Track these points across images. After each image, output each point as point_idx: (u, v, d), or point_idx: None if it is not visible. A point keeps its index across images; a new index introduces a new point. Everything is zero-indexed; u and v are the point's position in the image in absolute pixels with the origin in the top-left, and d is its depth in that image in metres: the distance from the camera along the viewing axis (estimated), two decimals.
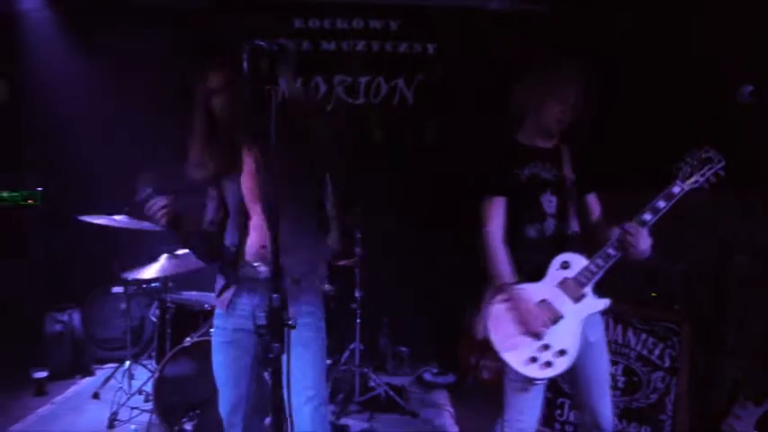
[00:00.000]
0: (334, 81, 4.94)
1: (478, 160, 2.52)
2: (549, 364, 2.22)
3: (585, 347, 2.28)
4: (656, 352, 3.23)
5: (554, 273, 2.30)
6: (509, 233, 2.37)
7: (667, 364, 3.20)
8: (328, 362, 4.35)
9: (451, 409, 4.06)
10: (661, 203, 2.18)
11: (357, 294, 4.07)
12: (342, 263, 4.05)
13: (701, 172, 2.16)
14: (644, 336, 3.26)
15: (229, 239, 2.19)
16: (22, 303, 4.67)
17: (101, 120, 4.69)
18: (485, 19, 4.76)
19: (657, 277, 3.44)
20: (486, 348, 2.49)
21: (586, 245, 2.38)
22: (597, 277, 2.27)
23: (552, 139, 2.45)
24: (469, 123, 4.76)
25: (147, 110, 4.64)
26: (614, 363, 3.29)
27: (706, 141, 2.22)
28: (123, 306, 4.20)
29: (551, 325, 2.24)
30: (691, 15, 3.91)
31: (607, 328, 3.26)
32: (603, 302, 2.28)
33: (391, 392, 3.98)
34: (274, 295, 1.45)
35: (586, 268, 2.26)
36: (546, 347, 2.23)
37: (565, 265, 2.29)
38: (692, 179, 2.16)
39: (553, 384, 3.36)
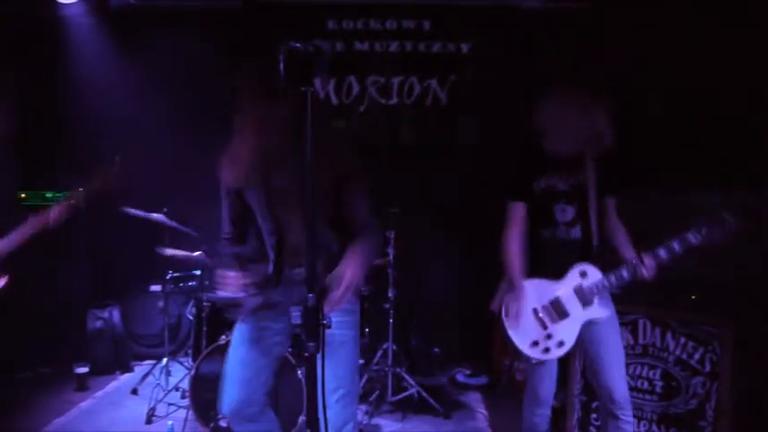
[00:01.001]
0: (367, 81, 4.96)
1: (506, 165, 2.77)
2: (547, 350, 2.60)
3: (592, 329, 2.60)
4: (696, 356, 3.14)
5: (572, 277, 2.60)
6: (528, 234, 2.67)
7: (708, 369, 3.11)
8: (360, 361, 4.37)
9: (485, 412, 4.03)
10: (676, 246, 2.47)
11: (390, 294, 4.07)
12: (375, 263, 4.05)
13: (716, 233, 2.42)
14: (683, 339, 3.18)
15: (267, 243, 2.20)
16: (64, 300, 4.80)
17: (138, 120, 4.80)
18: (519, 17, 4.71)
19: (696, 280, 3.35)
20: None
21: (603, 247, 2.68)
22: (607, 291, 2.60)
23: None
24: (503, 124, 4.73)
25: (182, 109, 4.74)
26: (652, 367, 3.23)
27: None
28: (161, 304, 4.29)
29: (559, 320, 2.59)
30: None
31: (645, 331, 3.24)
32: (605, 312, 2.61)
33: (424, 393, 3.97)
34: (309, 295, 1.46)
35: (600, 281, 2.57)
36: (549, 336, 2.60)
37: (583, 274, 2.60)
38: (708, 236, 2.43)
39: (588, 388, 3.31)
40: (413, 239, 4.20)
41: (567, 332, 2.59)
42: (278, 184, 2.09)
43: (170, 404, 3.86)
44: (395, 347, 4.12)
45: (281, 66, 1.42)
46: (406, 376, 4.04)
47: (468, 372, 4.61)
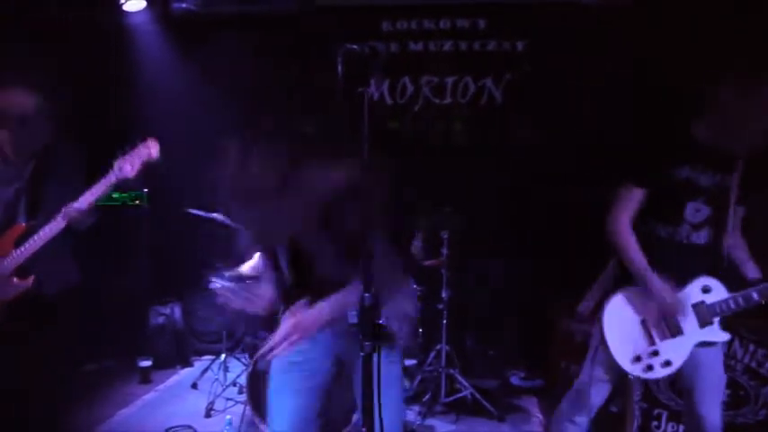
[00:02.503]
0: (421, 81, 4.95)
1: (635, 144, 2.44)
2: (650, 367, 2.32)
3: (699, 350, 2.32)
4: (767, 365, 3.00)
5: (693, 292, 2.33)
6: (640, 226, 2.35)
7: None
8: (413, 362, 4.37)
9: (540, 416, 3.96)
10: None
11: (444, 295, 4.05)
12: (428, 263, 4.05)
13: None
14: (752, 347, 3.04)
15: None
16: (128, 296, 5.00)
17: (200, 123, 4.95)
18: (576, 13, 4.60)
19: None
20: (578, 353, 2.50)
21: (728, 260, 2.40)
22: (731, 312, 2.32)
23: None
24: (560, 123, 4.64)
25: (242, 112, 4.86)
26: None
27: None
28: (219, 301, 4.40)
29: (670, 337, 2.31)
30: None
31: None
32: (725, 335, 2.33)
33: (477, 395, 3.93)
34: (366, 294, 1.47)
35: (726, 302, 2.30)
36: (655, 353, 2.32)
37: (706, 289, 2.33)
38: None
39: (648, 395, 3.21)
40: (467, 239, 4.17)
41: (676, 351, 2.31)
42: None
43: (228, 399, 3.96)
44: (448, 348, 4.09)
45: (339, 68, 1.43)
46: (460, 377, 4.02)
47: (522, 374, 4.54)
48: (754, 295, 2.26)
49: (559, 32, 4.65)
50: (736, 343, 3.06)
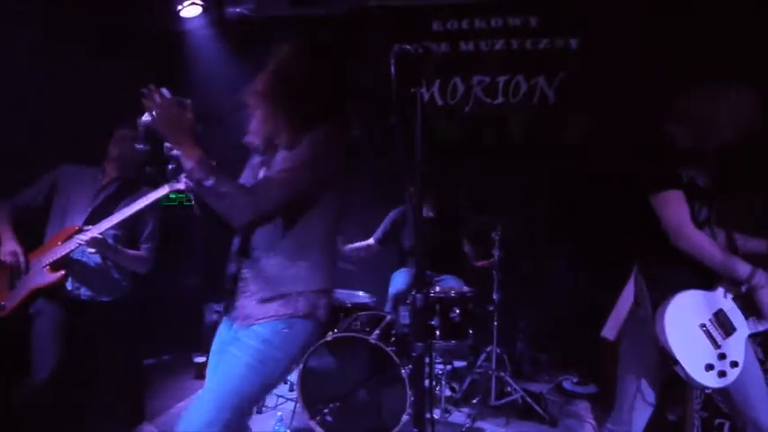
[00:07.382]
0: (472, 81, 4.91)
1: (647, 156, 2.40)
2: (723, 373, 2.23)
3: None
4: None
5: (729, 285, 2.28)
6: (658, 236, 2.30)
7: None
8: (463, 363, 4.34)
9: (594, 423, 3.87)
10: None
11: (495, 297, 4.00)
12: (480, 264, 4.01)
13: None
14: None
15: None
16: (184, 294, 5.15)
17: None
18: (631, 10, 4.48)
19: None
20: None
21: None
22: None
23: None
24: (616, 121, 4.52)
25: None
26: None
27: None
28: None
29: (727, 337, 2.25)
30: None
31: None
32: (765, 323, 2.29)
33: (528, 399, 3.87)
34: (418, 295, 1.47)
35: None
36: (723, 356, 2.24)
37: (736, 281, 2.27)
38: None
39: (710, 403, 3.09)
40: (519, 241, 4.11)
41: (737, 350, 2.22)
42: None
43: (279, 396, 4.02)
44: (499, 350, 4.05)
45: (392, 68, 1.44)
46: (510, 380, 3.96)
47: (575, 379, 4.44)
48: None
49: (615, 29, 4.53)
50: None
